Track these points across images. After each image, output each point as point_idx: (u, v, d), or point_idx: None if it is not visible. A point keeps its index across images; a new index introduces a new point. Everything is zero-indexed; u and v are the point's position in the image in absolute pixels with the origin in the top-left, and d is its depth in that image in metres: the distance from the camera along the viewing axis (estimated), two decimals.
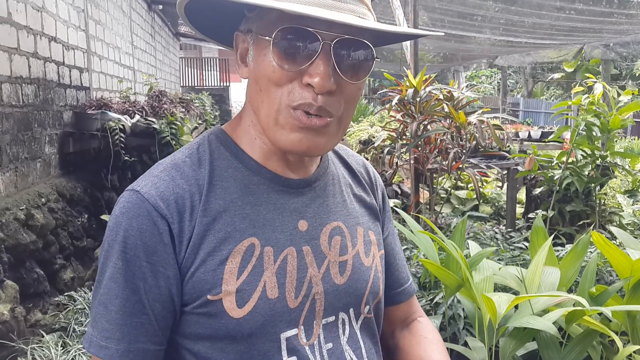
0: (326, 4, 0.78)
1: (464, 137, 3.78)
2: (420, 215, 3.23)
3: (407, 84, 3.65)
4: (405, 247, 3.52)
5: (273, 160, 0.90)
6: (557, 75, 20.10)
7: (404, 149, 3.89)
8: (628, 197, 5.74)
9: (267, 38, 0.79)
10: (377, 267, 0.99)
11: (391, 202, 5.03)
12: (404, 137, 3.91)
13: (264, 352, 0.84)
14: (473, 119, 3.51)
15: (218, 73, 17.73)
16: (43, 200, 3.48)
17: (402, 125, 3.89)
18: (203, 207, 0.84)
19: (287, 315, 0.85)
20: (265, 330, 0.84)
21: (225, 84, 17.57)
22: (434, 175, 4.13)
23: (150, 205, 0.82)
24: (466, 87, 4.04)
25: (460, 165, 3.77)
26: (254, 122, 0.90)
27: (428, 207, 4.25)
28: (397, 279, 1.09)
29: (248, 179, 0.88)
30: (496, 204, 6.50)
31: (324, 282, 0.89)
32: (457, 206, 6.50)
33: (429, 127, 3.85)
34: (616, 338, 1.79)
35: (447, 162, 3.76)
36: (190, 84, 16.47)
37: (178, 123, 4.18)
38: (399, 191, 6.42)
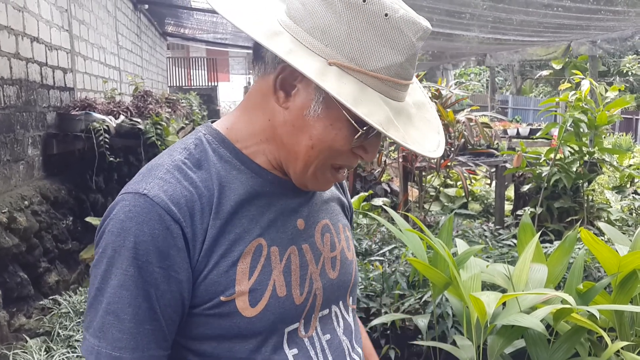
0: (401, 97, 0.85)
1: (453, 135, 3.77)
2: (408, 214, 3.21)
3: None
4: (393, 245, 3.51)
5: (272, 167, 0.92)
6: (545, 73, 20.16)
7: (392, 147, 3.87)
8: (616, 193, 5.76)
9: (357, 128, 0.82)
10: (355, 260, 1.06)
11: (380, 201, 5.01)
12: None
13: (270, 348, 0.87)
14: (462, 117, 3.50)
15: (206, 73, 17.61)
16: (26, 202, 3.42)
17: None
18: (215, 210, 0.84)
19: (293, 312, 0.89)
20: (274, 327, 0.87)
21: (213, 84, 17.45)
22: (423, 173, 4.12)
23: (162, 209, 0.80)
24: (454, 85, 4.03)
25: (449, 164, 3.76)
26: (268, 140, 0.90)
27: (417, 205, 4.23)
28: None
29: (252, 181, 0.89)
30: (485, 201, 6.50)
31: (322, 278, 0.94)
32: (446, 204, 6.50)
33: None
34: (605, 335, 1.78)
35: (435, 160, 3.75)
36: (178, 84, 16.34)
37: (163, 123, 4.14)
38: (389, 189, 6.41)
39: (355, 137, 0.82)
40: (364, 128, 0.81)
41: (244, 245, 0.85)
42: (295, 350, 0.89)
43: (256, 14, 0.84)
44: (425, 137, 0.86)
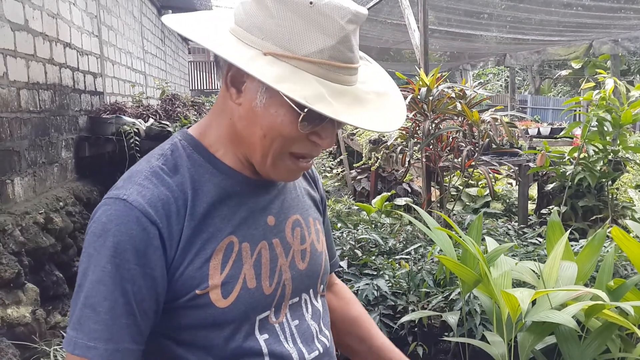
0: (345, 80, 0.88)
1: (477, 135, 3.80)
2: (437, 212, 3.25)
3: (420, 82, 3.67)
4: (419, 244, 3.55)
5: (243, 167, 0.99)
6: (564, 72, 20.00)
7: (416, 147, 3.91)
8: (639, 191, 5.73)
9: (298, 111, 0.86)
10: (325, 251, 1.14)
11: (403, 200, 5.05)
12: (415, 135, 3.93)
13: (244, 334, 0.95)
14: (487, 117, 3.53)
15: None
16: (61, 204, 3.52)
17: (414, 124, 3.91)
18: (190, 212, 0.91)
19: (263, 301, 0.97)
20: (246, 316, 0.95)
21: None
22: (445, 173, 4.15)
23: (139, 212, 0.87)
24: (478, 85, 4.05)
25: (473, 163, 3.79)
26: (233, 141, 0.97)
27: (439, 205, 4.26)
28: (330, 255, 1.25)
29: (224, 183, 0.96)
30: (507, 200, 6.50)
31: (291, 269, 1.02)
32: (467, 203, 6.51)
33: (440, 125, 3.87)
34: (637, 331, 1.81)
35: (460, 160, 3.78)
36: (199, 88, 16.51)
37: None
38: (409, 190, 6.44)
39: (299, 120, 0.86)
40: (305, 110, 0.85)
41: (216, 243, 0.92)
42: (266, 336, 0.97)
43: (208, 27, 0.93)
44: (378, 120, 0.90)
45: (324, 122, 0.89)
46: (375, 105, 0.91)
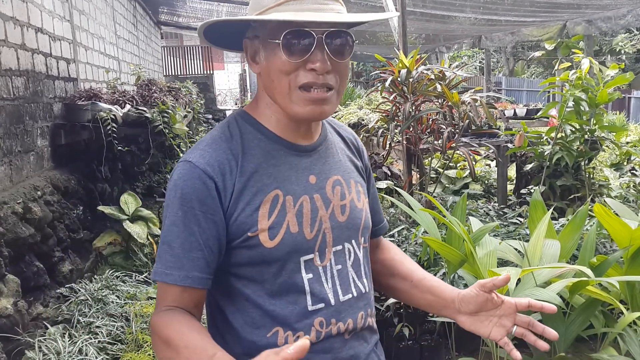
0: (314, 8, 1.06)
1: (456, 116, 3.81)
2: (424, 193, 3.26)
3: (400, 64, 3.66)
4: (402, 227, 3.56)
5: (287, 132, 1.19)
6: (537, 54, 20.19)
7: (397, 130, 3.91)
8: (614, 170, 5.83)
9: (276, 41, 1.07)
10: (366, 209, 1.30)
11: (384, 183, 5.07)
12: (396, 118, 3.93)
13: (289, 271, 1.13)
14: (467, 97, 3.54)
15: (201, 61, 17.46)
16: (39, 193, 3.45)
17: (394, 107, 3.90)
18: (240, 170, 1.12)
19: (305, 244, 1.15)
20: (290, 256, 1.13)
21: (208, 72, 17.37)
22: (424, 155, 4.16)
23: (200, 170, 1.10)
24: (457, 66, 4.06)
25: (453, 145, 3.81)
26: (269, 104, 1.18)
27: (418, 188, 4.28)
28: (379, 219, 1.44)
29: (270, 147, 1.17)
30: (486, 181, 6.57)
31: (331, 220, 1.19)
32: (447, 185, 6.56)
33: (420, 107, 3.88)
34: (621, 306, 1.84)
35: (440, 142, 3.79)
36: (173, 73, 16.25)
37: (170, 111, 4.15)
38: (389, 173, 6.45)
39: (281, 49, 1.06)
40: (280, 39, 1.05)
41: (264, 195, 1.12)
42: (310, 275, 1.15)
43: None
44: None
45: (311, 49, 1.06)
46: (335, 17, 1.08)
